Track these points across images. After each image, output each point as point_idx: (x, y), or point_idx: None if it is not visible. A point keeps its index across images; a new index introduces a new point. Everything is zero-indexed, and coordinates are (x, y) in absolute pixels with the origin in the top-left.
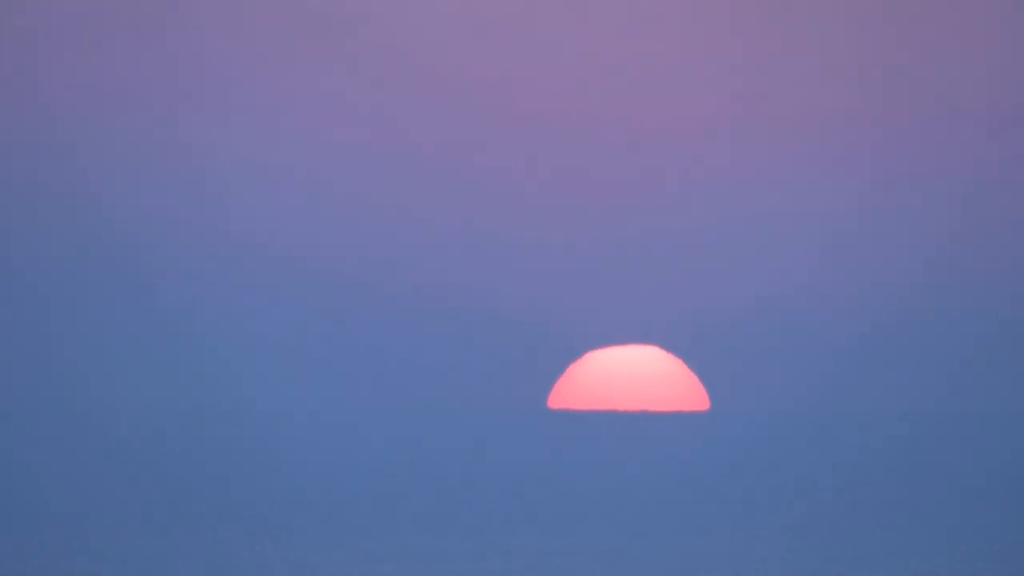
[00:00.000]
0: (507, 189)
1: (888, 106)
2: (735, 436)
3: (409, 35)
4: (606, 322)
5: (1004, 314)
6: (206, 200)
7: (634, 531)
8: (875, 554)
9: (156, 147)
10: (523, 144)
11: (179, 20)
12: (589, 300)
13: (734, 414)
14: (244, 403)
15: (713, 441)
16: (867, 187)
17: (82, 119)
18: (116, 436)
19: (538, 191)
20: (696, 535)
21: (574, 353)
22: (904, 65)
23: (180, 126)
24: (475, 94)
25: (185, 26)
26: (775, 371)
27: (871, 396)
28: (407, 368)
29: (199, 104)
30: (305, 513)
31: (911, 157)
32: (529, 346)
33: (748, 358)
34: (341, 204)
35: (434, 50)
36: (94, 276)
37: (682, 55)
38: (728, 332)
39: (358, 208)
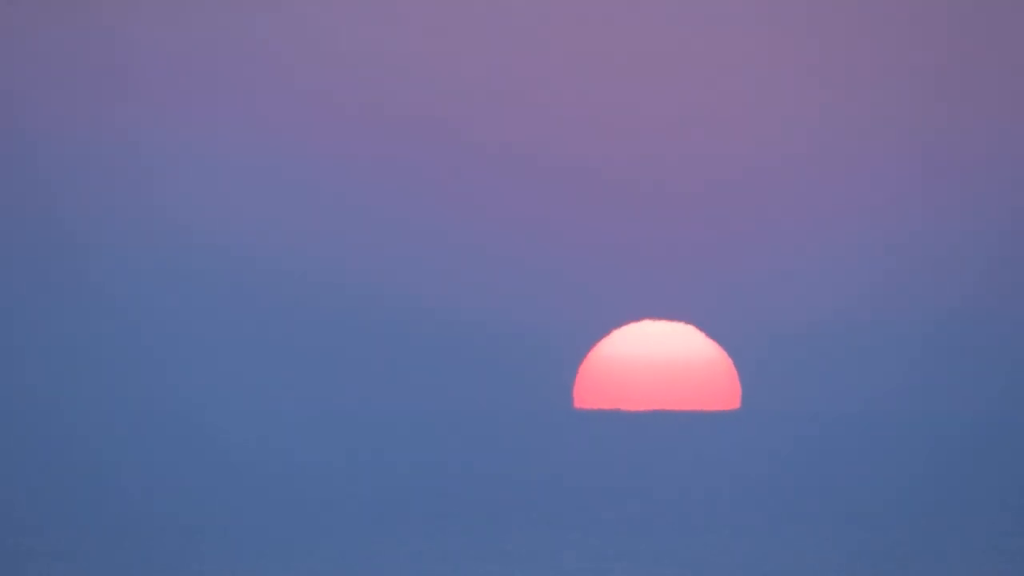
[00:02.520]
0: (521, 178)
1: (946, 112)
2: (784, 437)
3: (401, 35)
4: (634, 304)
5: None
6: (205, 206)
7: (668, 534)
8: (919, 558)
9: (117, 149)
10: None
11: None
12: (621, 286)
13: (770, 413)
14: (257, 406)
15: (753, 442)
16: (933, 189)
17: (53, 122)
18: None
19: (563, 179)
20: (731, 539)
21: (601, 332)
22: (974, 74)
23: (144, 126)
24: (490, 81)
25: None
26: (815, 370)
27: (920, 399)
28: (422, 371)
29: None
30: (326, 517)
31: (982, 160)
32: (549, 340)
33: (788, 354)
34: (351, 209)
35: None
36: (54, 279)
37: (764, 57)
38: (772, 327)
39: (367, 213)
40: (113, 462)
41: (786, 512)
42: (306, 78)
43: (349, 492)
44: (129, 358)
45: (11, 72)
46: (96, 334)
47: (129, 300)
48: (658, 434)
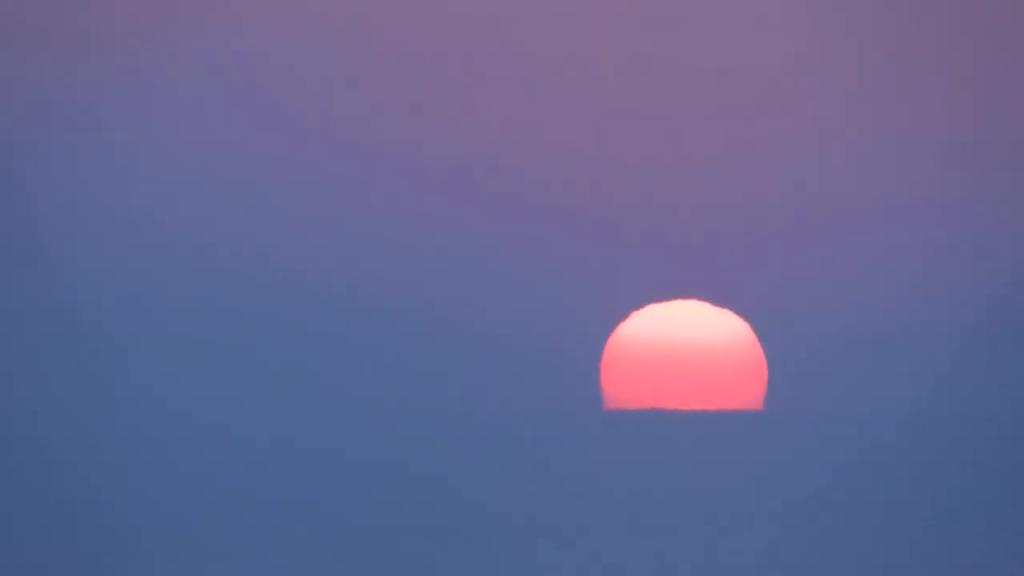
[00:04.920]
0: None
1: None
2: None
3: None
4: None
5: None
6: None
7: (704, 540)
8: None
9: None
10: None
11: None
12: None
13: (800, 413)
14: (268, 414)
15: (785, 443)
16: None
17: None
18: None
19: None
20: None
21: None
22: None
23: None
24: (493, 65)
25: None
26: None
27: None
28: (442, 371)
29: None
30: (352, 522)
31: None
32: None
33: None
34: (352, 205)
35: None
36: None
37: (813, 30)
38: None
39: (367, 209)
40: (101, 465)
41: (828, 520)
42: (296, 61)
43: (363, 503)
44: (120, 361)
45: None
46: (88, 333)
47: (115, 299)
48: (695, 436)
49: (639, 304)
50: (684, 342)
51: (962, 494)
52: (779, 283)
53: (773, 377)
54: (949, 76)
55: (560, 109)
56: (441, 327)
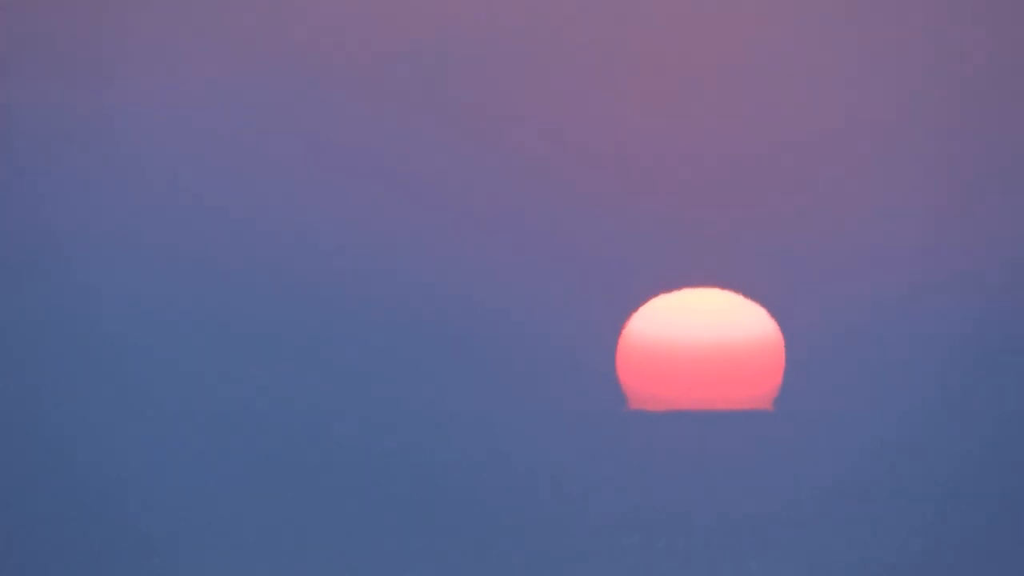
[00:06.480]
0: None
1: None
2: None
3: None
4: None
5: None
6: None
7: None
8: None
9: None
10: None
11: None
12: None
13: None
14: (278, 410)
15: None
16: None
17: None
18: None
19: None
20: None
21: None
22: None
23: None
24: (498, 50)
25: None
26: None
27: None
28: (457, 372)
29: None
30: (363, 521)
31: None
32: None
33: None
34: (357, 198)
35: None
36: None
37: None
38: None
39: (385, 212)
40: (104, 461)
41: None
42: (297, 89)
43: (374, 503)
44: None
45: None
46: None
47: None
48: (709, 436)
49: (652, 294)
50: (701, 337)
51: (976, 493)
52: (799, 279)
53: (790, 373)
54: (971, 73)
55: (570, 101)
56: (449, 326)
